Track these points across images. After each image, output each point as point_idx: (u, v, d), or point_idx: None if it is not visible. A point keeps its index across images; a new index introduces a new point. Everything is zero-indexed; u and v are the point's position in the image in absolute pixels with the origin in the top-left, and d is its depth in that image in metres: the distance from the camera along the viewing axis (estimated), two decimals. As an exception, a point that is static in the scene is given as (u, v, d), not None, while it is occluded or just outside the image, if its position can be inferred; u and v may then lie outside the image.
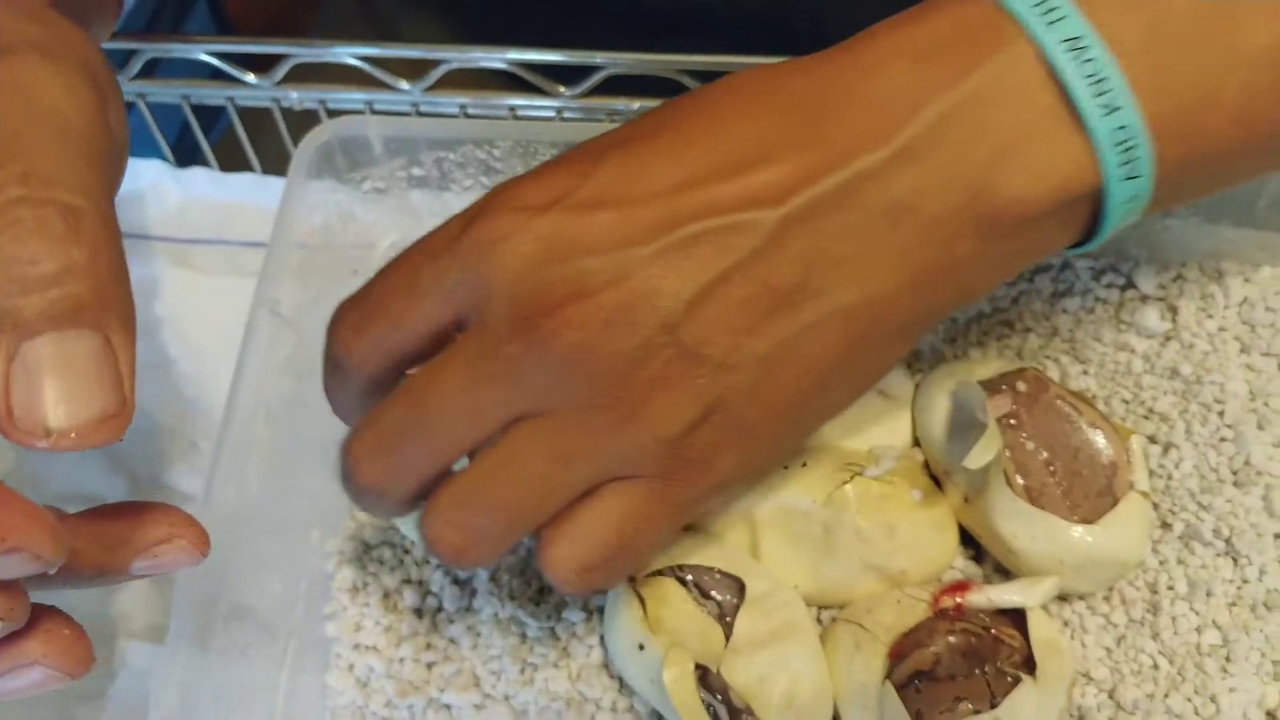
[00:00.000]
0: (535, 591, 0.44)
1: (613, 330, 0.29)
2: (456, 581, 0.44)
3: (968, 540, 0.43)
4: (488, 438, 0.31)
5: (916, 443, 0.44)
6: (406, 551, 0.45)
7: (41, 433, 0.24)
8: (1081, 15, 0.29)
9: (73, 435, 0.25)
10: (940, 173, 0.29)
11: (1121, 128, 0.29)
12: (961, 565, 0.43)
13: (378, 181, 0.48)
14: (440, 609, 0.44)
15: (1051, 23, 0.29)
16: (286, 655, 0.43)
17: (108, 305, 0.26)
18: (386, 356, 0.32)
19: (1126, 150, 0.29)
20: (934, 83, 0.29)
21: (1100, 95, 0.29)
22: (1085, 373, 0.45)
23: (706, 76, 0.50)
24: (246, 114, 0.57)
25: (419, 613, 0.44)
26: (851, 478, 0.41)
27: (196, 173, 0.59)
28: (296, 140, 0.48)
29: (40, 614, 0.27)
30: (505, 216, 0.30)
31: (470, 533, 0.31)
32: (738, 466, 0.32)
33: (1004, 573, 0.42)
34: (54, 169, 0.26)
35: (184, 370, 0.55)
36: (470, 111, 0.53)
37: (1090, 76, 0.29)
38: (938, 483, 0.43)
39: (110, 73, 0.31)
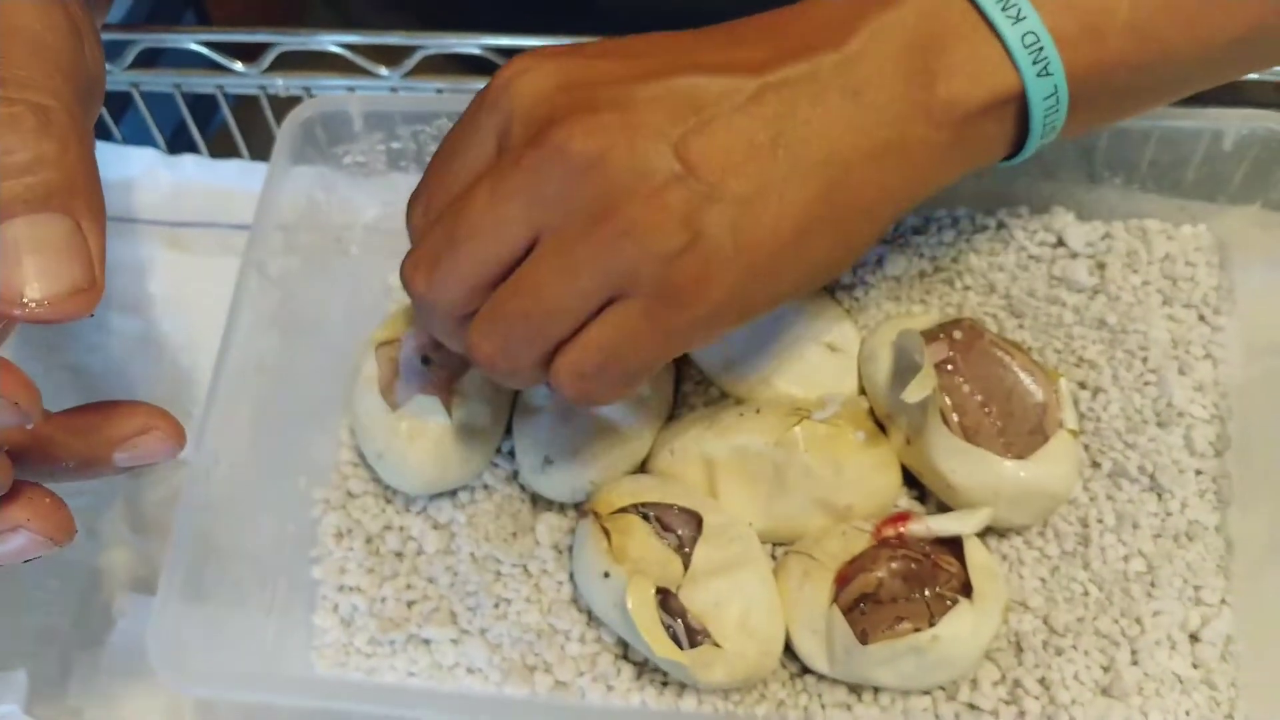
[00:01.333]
0: (509, 534, 0.47)
1: (614, 147, 0.33)
2: (436, 527, 0.47)
3: (911, 482, 0.46)
4: (515, 254, 0.35)
5: (863, 392, 0.47)
6: (389, 501, 0.48)
7: (19, 302, 0.27)
8: None
9: (46, 304, 0.27)
10: (880, 69, 0.35)
11: (1029, 32, 0.35)
12: (905, 505, 0.46)
13: (358, 156, 0.52)
14: (420, 552, 0.47)
15: None
16: (275, 598, 0.46)
17: (76, 193, 0.28)
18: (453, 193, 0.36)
19: (1036, 51, 0.35)
20: (868, 7, 0.35)
21: (1007, 9, 0.35)
22: (1020, 326, 0.48)
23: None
24: (237, 109, 0.60)
25: (400, 555, 0.47)
26: (800, 421, 0.44)
27: (187, 159, 0.62)
28: (283, 128, 0.51)
29: (21, 485, 0.29)
30: (521, 61, 0.35)
31: (500, 341, 0.35)
32: (724, 301, 0.35)
33: (946, 510, 0.45)
34: (26, 75, 0.29)
35: (177, 344, 0.58)
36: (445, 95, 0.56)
37: None
38: (882, 428, 0.46)
39: (89, 17, 0.34)
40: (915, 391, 0.41)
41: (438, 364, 0.46)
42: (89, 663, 0.49)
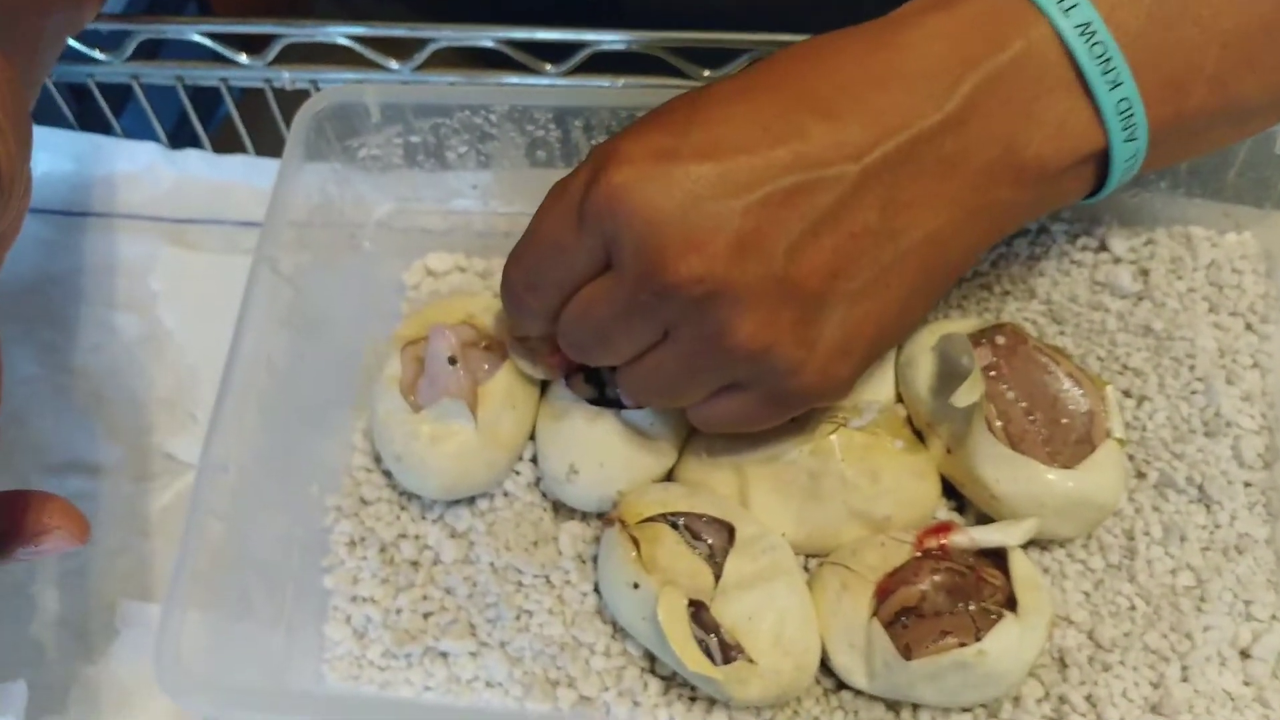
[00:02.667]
0: (530, 543, 0.45)
1: (725, 276, 0.34)
2: (454, 535, 0.45)
3: (950, 493, 0.44)
4: (644, 346, 0.38)
5: (900, 399, 0.45)
6: (404, 508, 0.46)
7: None
8: (1091, 3, 0.34)
9: None
10: (979, 134, 0.35)
11: (1124, 99, 0.35)
12: (944, 516, 0.44)
13: (374, 149, 0.50)
14: (437, 561, 0.45)
15: (1066, 10, 0.34)
16: (284, 607, 0.44)
17: None
18: (557, 298, 0.39)
19: (1127, 117, 0.35)
20: (970, 61, 0.35)
21: (1107, 73, 0.35)
22: (1062, 332, 0.47)
23: (694, 54, 0.52)
24: (241, 102, 0.59)
25: (416, 565, 0.45)
26: (836, 429, 0.42)
27: (190, 154, 0.60)
28: (289, 123, 0.48)
29: (45, 498, 0.34)
30: (619, 170, 0.34)
31: (636, 397, 0.42)
32: (834, 388, 0.38)
33: (986, 522, 0.43)
34: None
35: (181, 343, 0.56)
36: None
37: (1099, 57, 0.34)
38: (920, 437, 0.44)
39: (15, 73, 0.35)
40: (965, 396, 0.40)
41: (465, 366, 0.44)
42: (91, 675, 0.47)
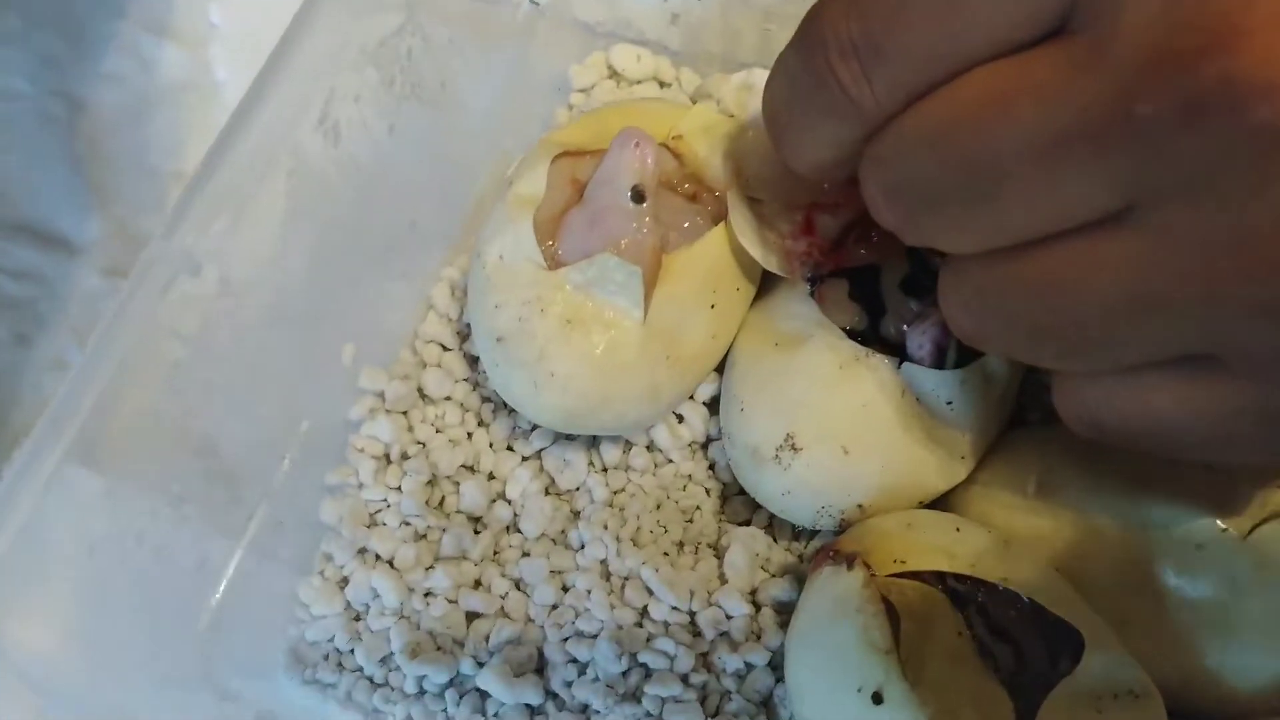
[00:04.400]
0: (674, 544, 0.26)
1: None
2: (553, 493, 0.26)
3: None
4: (1069, 221, 0.19)
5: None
6: (483, 423, 0.27)
7: None
8: None
9: None
10: None
11: None
12: None
13: None
14: (513, 528, 0.26)
15: None
16: (254, 530, 0.26)
17: None
18: (910, 83, 0.19)
19: None
20: None
21: None
22: None
23: None
24: None
25: (477, 524, 0.26)
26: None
27: None
28: None
29: None
30: None
31: (982, 332, 0.21)
32: None
33: None
34: None
35: (232, 105, 0.38)
36: None
37: None
38: None
39: None
40: None
41: (654, 211, 0.25)
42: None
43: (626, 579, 0.25)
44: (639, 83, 0.33)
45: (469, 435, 0.27)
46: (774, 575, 0.26)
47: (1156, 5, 0.16)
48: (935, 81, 0.19)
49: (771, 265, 0.25)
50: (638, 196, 0.25)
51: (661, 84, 0.33)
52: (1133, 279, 0.18)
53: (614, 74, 0.33)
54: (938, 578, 0.23)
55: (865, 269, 0.25)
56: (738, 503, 0.27)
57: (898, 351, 0.25)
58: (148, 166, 0.37)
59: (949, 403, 0.24)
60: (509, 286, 0.25)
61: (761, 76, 0.27)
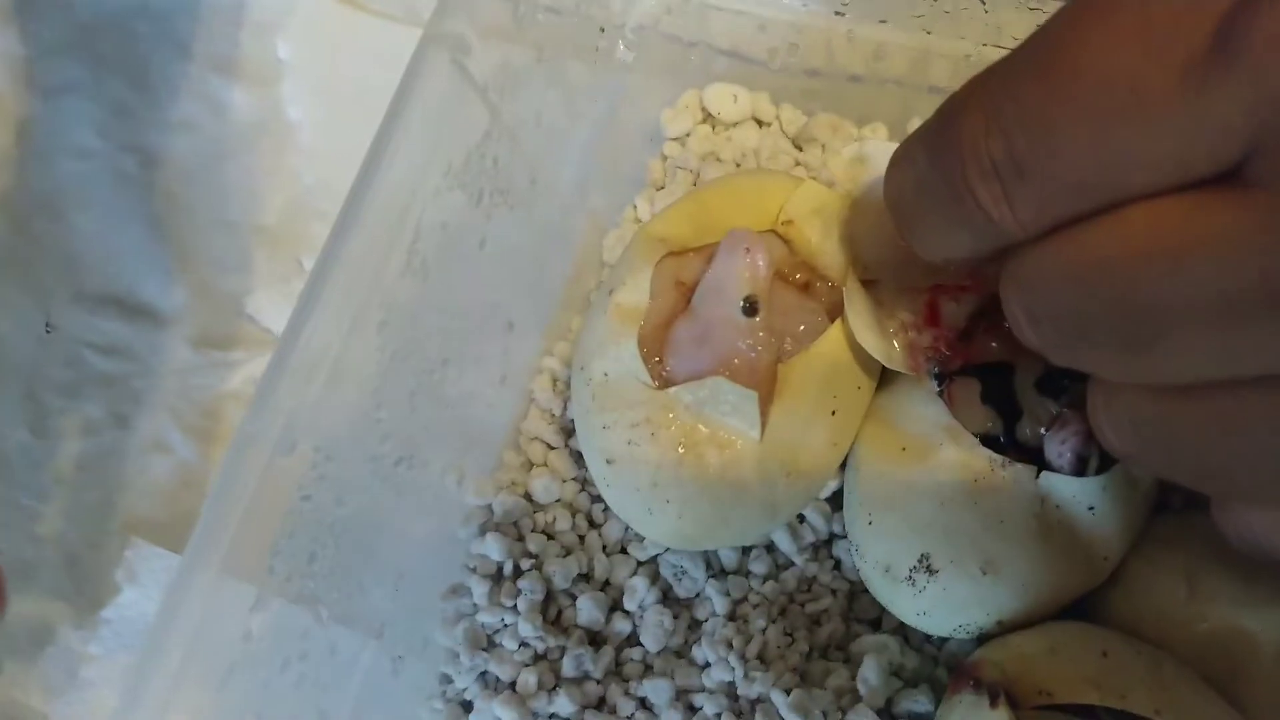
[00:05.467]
0: (801, 656, 0.25)
1: None
2: (671, 599, 0.26)
3: None
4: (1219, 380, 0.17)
5: None
6: (594, 523, 0.26)
7: None
8: None
9: None
10: None
11: None
12: None
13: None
14: (633, 641, 0.25)
15: None
16: (362, 651, 0.25)
17: None
18: (1058, 206, 0.18)
19: None
20: None
21: None
22: None
23: None
24: None
25: (595, 640, 0.25)
26: None
27: None
28: None
29: None
30: None
31: (1138, 458, 0.19)
32: None
33: None
34: None
35: (307, 146, 0.37)
36: None
37: None
38: None
39: None
40: None
41: (768, 317, 0.23)
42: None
43: (756, 701, 0.24)
44: (735, 125, 0.31)
45: (580, 539, 0.26)
46: (908, 684, 0.25)
47: None
48: (1085, 213, 0.18)
49: (895, 363, 0.23)
50: (750, 309, 0.23)
51: (760, 123, 0.31)
52: None
53: (708, 117, 0.31)
54: (1087, 712, 0.22)
55: (997, 365, 0.24)
56: (865, 600, 0.26)
57: (1033, 456, 0.23)
58: (227, 221, 0.36)
59: (1090, 508, 0.23)
60: (616, 407, 0.23)
61: (875, 149, 0.25)
